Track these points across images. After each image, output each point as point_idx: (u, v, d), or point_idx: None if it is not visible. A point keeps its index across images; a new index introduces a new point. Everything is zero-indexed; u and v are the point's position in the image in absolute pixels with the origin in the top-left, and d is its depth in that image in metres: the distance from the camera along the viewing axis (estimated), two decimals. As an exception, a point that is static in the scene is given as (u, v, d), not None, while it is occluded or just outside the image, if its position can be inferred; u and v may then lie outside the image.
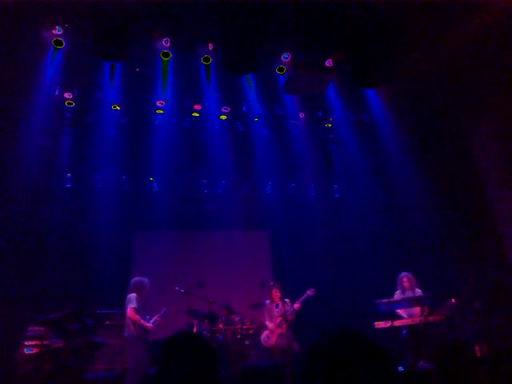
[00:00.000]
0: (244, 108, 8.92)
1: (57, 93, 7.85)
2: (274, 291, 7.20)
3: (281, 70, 7.85)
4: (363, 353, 1.20)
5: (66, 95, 8.07)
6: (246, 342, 7.48)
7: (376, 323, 6.25)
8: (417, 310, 6.38)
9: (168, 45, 6.93)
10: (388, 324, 6.15)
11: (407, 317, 6.44)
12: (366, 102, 8.58)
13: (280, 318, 6.90)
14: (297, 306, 6.94)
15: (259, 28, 6.93)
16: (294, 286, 7.54)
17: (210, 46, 7.22)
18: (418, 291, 6.61)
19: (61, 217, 8.57)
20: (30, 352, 5.86)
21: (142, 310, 6.18)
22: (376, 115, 8.68)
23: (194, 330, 7.36)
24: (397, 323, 6.20)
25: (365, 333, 1.27)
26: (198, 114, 8.95)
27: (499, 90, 7.20)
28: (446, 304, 6.73)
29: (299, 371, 1.31)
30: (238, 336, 7.55)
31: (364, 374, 1.17)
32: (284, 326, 6.79)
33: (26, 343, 5.90)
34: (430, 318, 6.05)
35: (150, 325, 6.16)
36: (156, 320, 6.34)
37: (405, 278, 6.70)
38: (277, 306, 7.12)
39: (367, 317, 6.72)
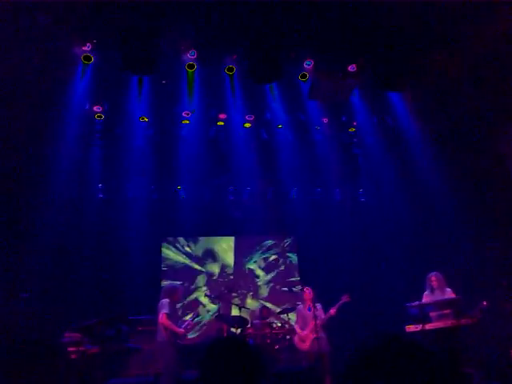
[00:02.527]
0: (268, 115, 9.07)
1: (87, 107, 8.16)
2: (306, 290, 7.19)
3: (303, 76, 7.95)
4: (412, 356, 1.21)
5: (96, 108, 8.38)
6: (276, 347, 7.53)
7: (407, 327, 6.20)
8: (447, 311, 6.29)
9: (194, 56, 7.12)
10: (419, 327, 6.09)
11: (437, 318, 6.32)
12: (390, 105, 8.58)
13: (313, 323, 6.88)
14: (333, 311, 6.92)
15: (282, 36, 7.03)
16: (321, 292, 7.53)
17: (234, 57, 7.40)
18: (448, 290, 6.50)
19: (94, 226, 8.85)
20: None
21: (175, 315, 6.30)
22: (401, 119, 8.66)
23: (225, 335, 7.46)
24: (428, 327, 6.13)
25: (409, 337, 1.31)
26: (222, 123, 9.14)
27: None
28: (477, 307, 6.62)
29: (346, 376, 1.31)
30: (268, 340, 7.61)
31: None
32: (318, 330, 6.78)
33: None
34: (462, 321, 5.96)
35: (181, 330, 6.24)
36: (188, 325, 6.44)
37: (433, 277, 6.61)
38: (309, 309, 7.10)
39: (398, 320, 6.65)
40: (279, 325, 8.10)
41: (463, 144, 8.30)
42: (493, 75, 7.14)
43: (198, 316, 6.84)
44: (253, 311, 8.84)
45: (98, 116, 8.53)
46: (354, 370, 1.26)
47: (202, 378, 1.75)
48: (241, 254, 10.40)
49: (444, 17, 6.55)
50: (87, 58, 7.11)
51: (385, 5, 6.46)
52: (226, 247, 10.42)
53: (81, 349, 5.99)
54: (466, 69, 7.34)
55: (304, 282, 9.17)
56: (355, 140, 9.90)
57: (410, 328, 6.17)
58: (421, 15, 6.59)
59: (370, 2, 6.39)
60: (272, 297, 9.94)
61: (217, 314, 7.75)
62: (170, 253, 9.99)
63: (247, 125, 9.27)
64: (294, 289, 8.05)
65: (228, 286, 8.91)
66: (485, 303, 6.57)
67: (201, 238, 10.29)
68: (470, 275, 7.65)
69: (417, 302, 6.31)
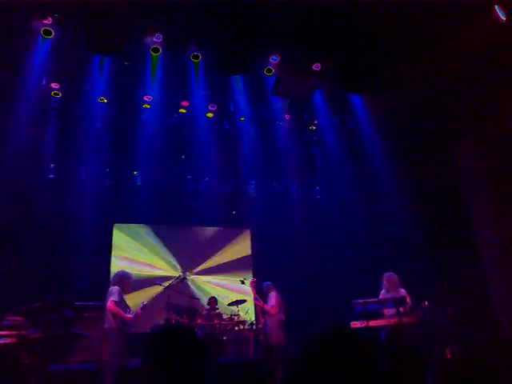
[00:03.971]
0: (231, 107, 9.02)
1: (44, 83, 7.81)
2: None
3: (269, 71, 7.96)
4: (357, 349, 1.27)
5: (53, 85, 8.03)
6: (224, 338, 7.57)
7: (352, 323, 6.40)
8: (394, 309, 6.53)
9: (160, 40, 6.97)
10: (363, 324, 6.30)
11: (389, 317, 6.53)
12: (351, 108, 8.77)
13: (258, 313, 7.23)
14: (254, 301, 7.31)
15: (250, 29, 7.00)
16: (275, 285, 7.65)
17: (201, 44, 7.31)
18: (402, 291, 6.72)
19: (42, 207, 8.51)
20: (4, 341, 5.78)
21: (124, 303, 6.20)
22: (361, 122, 8.87)
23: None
24: (372, 323, 6.35)
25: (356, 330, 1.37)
26: (184, 111, 9.01)
27: (484, 108, 7.43)
28: (419, 307, 6.91)
29: (292, 369, 1.36)
30: (217, 331, 7.64)
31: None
32: (261, 321, 7.10)
33: (1, 333, 5.81)
34: (405, 320, 6.21)
35: (130, 316, 6.15)
36: (137, 312, 6.35)
37: (385, 277, 6.84)
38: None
39: (346, 316, 6.84)
40: (228, 316, 8.15)
41: (419, 149, 8.60)
42: (452, 89, 7.42)
43: (146, 305, 6.73)
44: (202, 301, 8.84)
45: (54, 93, 8.17)
46: (300, 362, 1.31)
47: (144, 367, 1.74)
48: (196, 243, 10.36)
49: (411, 24, 6.73)
50: (47, 32, 6.79)
51: (353, 7, 6.56)
52: (181, 236, 10.34)
53: (22, 333, 5.80)
54: (427, 80, 7.58)
55: (257, 274, 9.29)
56: (315, 138, 10.04)
57: (355, 324, 6.37)
58: (387, 21, 6.74)
59: (339, 2, 6.48)
60: (223, 287, 10.00)
61: (165, 303, 7.69)
62: (121, 239, 9.79)
63: (209, 114, 9.18)
64: (245, 281, 8.09)
65: (180, 275, 8.87)
66: (426, 303, 6.88)
67: (155, 226, 10.15)
68: (417, 277, 7.97)
69: (362, 300, 6.52)
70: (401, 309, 6.25)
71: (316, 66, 7.64)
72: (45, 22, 6.61)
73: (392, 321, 6.29)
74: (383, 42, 7.05)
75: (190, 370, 1.73)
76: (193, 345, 1.79)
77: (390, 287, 6.74)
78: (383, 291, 6.84)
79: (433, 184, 8.54)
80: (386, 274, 6.87)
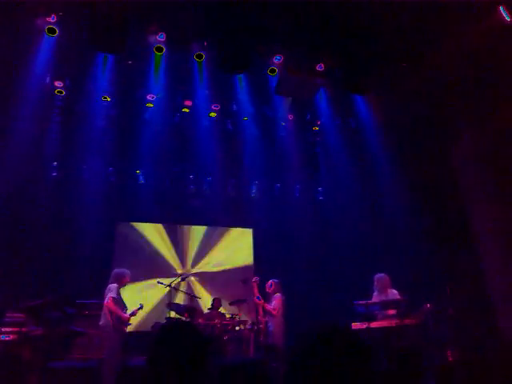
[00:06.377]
0: (234, 106, 9.03)
1: (47, 81, 7.84)
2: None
3: (272, 71, 7.96)
4: (348, 349, 1.26)
5: (57, 83, 8.07)
6: (225, 338, 7.55)
7: (353, 324, 6.38)
8: (392, 311, 6.53)
9: (163, 39, 6.98)
10: (364, 325, 6.28)
11: (383, 317, 6.54)
12: (354, 107, 8.75)
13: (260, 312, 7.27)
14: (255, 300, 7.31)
15: (254, 28, 7.01)
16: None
17: (204, 44, 7.31)
18: (393, 292, 6.73)
19: (45, 205, 8.51)
20: (6, 338, 5.78)
21: (121, 301, 6.19)
22: (363, 121, 8.85)
23: (174, 324, 7.40)
24: (373, 325, 6.33)
25: (349, 330, 1.35)
26: (188, 110, 9.02)
27: (482, 107, 7.40)
28: (421, 309, 6.88)
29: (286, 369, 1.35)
30: (217, 331, 7.61)
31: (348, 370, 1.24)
32: (262, 321, 7.14)
33: (2, 330, 5.81)
34: (406, 321, 6.19)
35: (126, 315, 6.13)
36: (134, 312, 6.34)
37: (376, 279, 6.87)
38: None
39: (346, 317, 6.81)
40: (229, 315, 8.12)
41: (418, 150, 8.56)
42: (450, 89, 7.40)
43: (143, 305, 6.70)
44: (204, 300, 8.84)
45: (58, 91, 8.22)
46: (295, 358, 1.30)
47: (149, 363, 1.74)
48: (197, 243, 10.35)
49: (411, 28, 6.72)
50: (51, 31, 6.82)
51: (356, 8, 6.55)
52: (183, 236, 10.33)
53: (24, 330, 5.81)
54: (426, 80, 7.57)
55: (258, 273, 9.26)
56: (318, 139, 10.03)
57: (356, 325, 6.35)
58: (391, 24, 6.73)
59: (342, 4, 6.47)
60: (224, 286, 9.97)
61: (167, 302, 7.69)
62: (123, 237, 9.79)
63: (213, 114, 9.19)
64: (247, 281, 8.05)
65: (182, 275, 8.86)
66: (428, 306, 6.85)
67: (157, 225, 10.15)
68: (418, 278, 7.93)
69: (363, 301, 6.51)
70: (398, 310, 6.25)
71: (319, 66, 7.65)
72: (49, 19, 6.64)
73: (393, 322, 6.27)
74: (385, 43, 7.04)
75: (193, 367, 1.72)
76: (196, 342, 1.78)
77: (381, 288, 6.75)
78: (375, 293, 6.85)
79: (433, 183, 8.49)
80: (377, 276, 6.88)
